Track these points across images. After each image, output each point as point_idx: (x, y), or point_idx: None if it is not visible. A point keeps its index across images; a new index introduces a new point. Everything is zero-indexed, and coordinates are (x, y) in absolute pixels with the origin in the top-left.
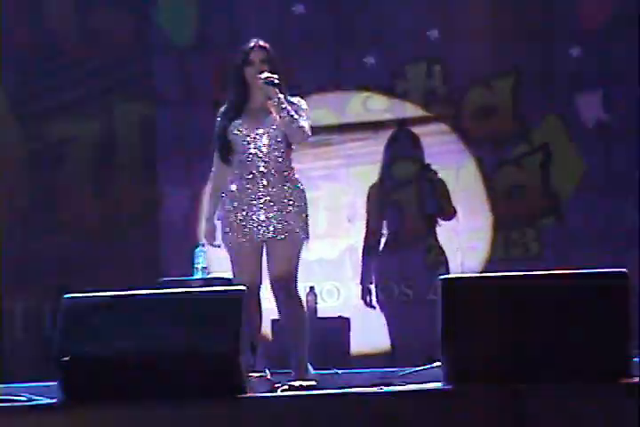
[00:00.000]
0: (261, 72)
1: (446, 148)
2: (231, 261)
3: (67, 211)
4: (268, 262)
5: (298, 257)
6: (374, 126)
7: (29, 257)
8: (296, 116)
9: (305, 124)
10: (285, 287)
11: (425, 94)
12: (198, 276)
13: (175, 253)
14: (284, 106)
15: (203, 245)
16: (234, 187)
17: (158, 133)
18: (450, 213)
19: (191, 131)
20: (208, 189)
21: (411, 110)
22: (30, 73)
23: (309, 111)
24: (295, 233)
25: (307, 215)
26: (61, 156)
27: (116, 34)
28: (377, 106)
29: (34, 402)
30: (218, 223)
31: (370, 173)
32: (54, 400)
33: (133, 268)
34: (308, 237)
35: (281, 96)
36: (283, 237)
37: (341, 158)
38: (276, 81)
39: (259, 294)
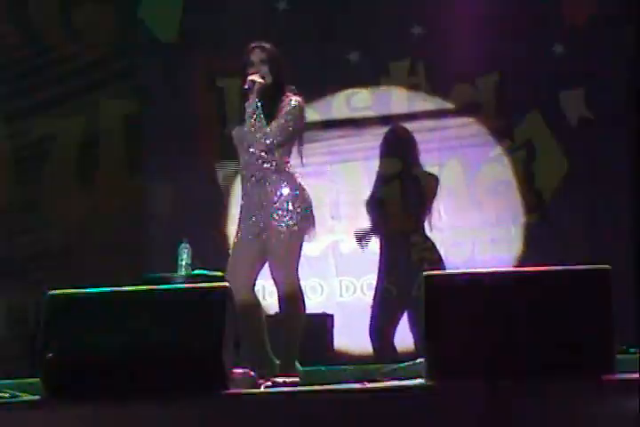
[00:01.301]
0: (253, 73)
1: (430, 145)
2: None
3: (51, 207)
4: (269, 261)
5: (298, 256)
6: (358, 123)
7: (13, 253)
8: (264, 124)
9: (274, 128)
10: (286, 286)
11: (408, 91)
12: (182, 272)
13: (159, 249)
14: (252, 113)
15: (187, 242)
16: (241, 188)
17: (143, 130)
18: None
19: (176, 126)
20: None
21: (394, 107)
22: (14, 70)
23: (294, 110)
24: (294, 232)
25: (307, 213)
26: (46, 153)
27: (100, 31)
28: (361, 103)
29: (17, 399)
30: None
31: (353, 170)
32: (37, 397)
33: (118, 264)
34: (308, 235)
35: (256, 103)
36: (282, 236)
37: (325, 155)
38: (250, 86)
39: (254, 291)
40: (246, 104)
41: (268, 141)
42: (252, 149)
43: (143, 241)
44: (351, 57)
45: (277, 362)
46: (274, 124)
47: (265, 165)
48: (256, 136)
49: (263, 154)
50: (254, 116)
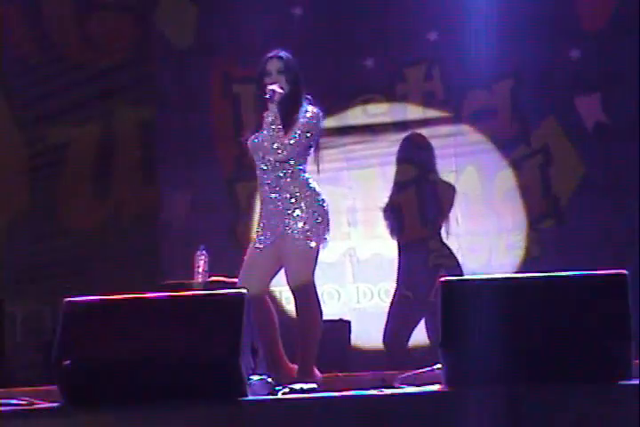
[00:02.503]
0: (272, 84)
1: (446, 151)
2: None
3: (67, 214)
4: (284, 268)
5: (313, 262)
6: (374, 129)
7: (30, 260)
8: (281, 135)
9: (290, 141)
10: (302, 292)
11: (424, 97)
12: (199, 279)
13: (175, 256)
14: (273, 123)
15: (203, 249)
16: (258, 196)
17: (158, 136)
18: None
19: (191, 134)
20: None
21: (410, 113)
22: (30, 76)
23: (310, 124)
24: (309, 239)
25: (323, 220)
26: (62, 159)
27: (116, 37)
28: (376, 109)
29: (34, 406)
30: None
31: (370, 176)
32: (55, 404)
33: (134, 271)
34: (323, 242)
35: (276, 113)
36: (297, 243)
37: (341, 161)
38: (271, 95)
39: (267, 299)
40: (265, 113)
41: (285, 153)
42: (268, 157)
43: (159, 248)
44: (367, 63)
45: (292, 366)
46: (292, 137)
47: (280, 173)
48: (273, 146)
49: (277, 164)
50: (273, 126)
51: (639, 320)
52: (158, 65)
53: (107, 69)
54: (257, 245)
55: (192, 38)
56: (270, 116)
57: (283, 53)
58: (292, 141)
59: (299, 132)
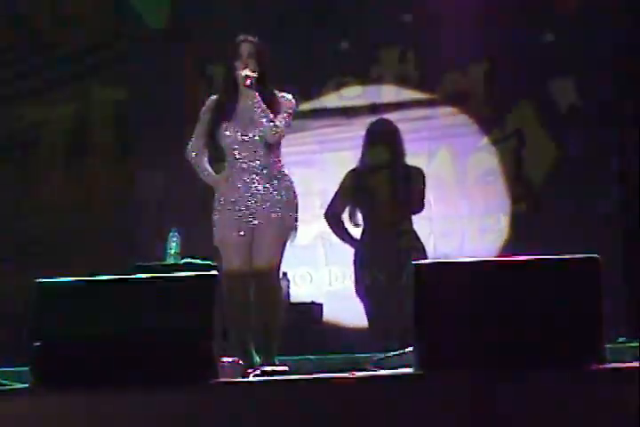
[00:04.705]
0: (244, 68)
1: (419, 134)
2: (221, 253)
3: (40, 195)
4: (253, 250)
5: (283, 246)
6: (348, 112)
7: (2, 239)
8: (271, 117)
9: (280, 123)
10: (267, 274)
11: (398, 80)
12: (171, 261)
13: (149, 237)
14: (257, 108)
15: (176, 230)
16: (224, 184)
17: (132, 117)
18: (416, 207)
19: (165, 114)
20: (194, 162)
21: (384, 96)
22: (2, 57)
23: (293, 109)
24: (281, 223)
25: (295, 208)
26: (34, 140)
27: (88, 18)
28: (350, 91)
29: (5, 387)
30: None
31: (343, 159)
32: (26, 385)
33: (106, 252)
34: (294, 229)
35: (257, 98)
36: (269, 226)
37: (315, 144)
38: (250, 82)
39: (248, 282)
40: (247, 98)
41: (278, 135)
42: (243, 143)
43: (132, 228)
44: (341, 45)
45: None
46: (281, 120)
47: (256, 160)
48: (267, 127)
49: (257, 146)
50: (256, 109)
51: (613, 303)
52: (132, 44)
53: (80, 49)
54: (232, 233)
55: (166, 18)
56: (251, 100)
57: (251, 37)
58: (281, 126)
59: (285, 114)
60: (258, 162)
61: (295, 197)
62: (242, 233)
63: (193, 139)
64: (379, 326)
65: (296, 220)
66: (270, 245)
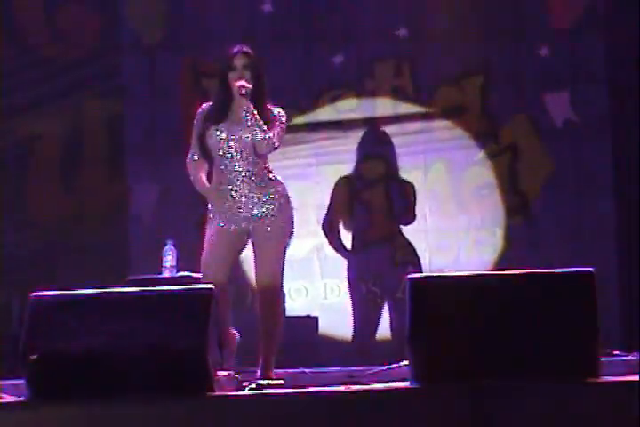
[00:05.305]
0: (239, 79)
1: (415, 147)
2: (203, 254)
3: (35, 207)
4: (255, 266)
5: (283, 254)
6: (343, 125)
7: None
8: (264, 128)
9: (274, 135)
10: (271, 290)
11: (393, 93)
12: (166, 274)
13: (144, 250)
14: (250, 117)
15: (172, 244)
16: (214, 192)
17: (126, 131)
18: (408, 218)
19: (159, 128)
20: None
21: (380, 109)
22: None
23: (285, 123)
24: (278, 233)
25: (289, 215)
26: (30, 152)
27: (84, 31)
28: (346, 105)
29: (1, 400)
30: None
31: (338, 172)
32: (22, 398)
33: (102, 265)
34: (290, 236)
35: (251, 108)
36: (266, 240)
37: (310, 157)
38: (245, 91)
39: (227, 290)
40: (240, 108)
41: (270, 147)
42: (234, 149)
43: (127, 242)
44: (336, 59)
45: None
46: (275, 134)
47: (243, 168)
48: (258, 140)
49: (246, 158)
50: (249, 121)
51: (608, 317)
52: (127, 58)
53: (76, 62)
54: (218, 233)
55: (161, 32)
56: (244, 111)
57: (247, 49)
58: (275, 138)
59: (278, 129)
60: (248, 169)
61: (288, 201)
62: (231, 240)
63: (192, 144)
64: (363, 340)
65: (292, 223)
66: (271, 260)
